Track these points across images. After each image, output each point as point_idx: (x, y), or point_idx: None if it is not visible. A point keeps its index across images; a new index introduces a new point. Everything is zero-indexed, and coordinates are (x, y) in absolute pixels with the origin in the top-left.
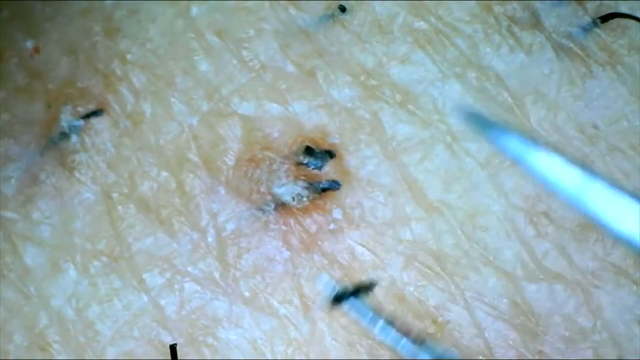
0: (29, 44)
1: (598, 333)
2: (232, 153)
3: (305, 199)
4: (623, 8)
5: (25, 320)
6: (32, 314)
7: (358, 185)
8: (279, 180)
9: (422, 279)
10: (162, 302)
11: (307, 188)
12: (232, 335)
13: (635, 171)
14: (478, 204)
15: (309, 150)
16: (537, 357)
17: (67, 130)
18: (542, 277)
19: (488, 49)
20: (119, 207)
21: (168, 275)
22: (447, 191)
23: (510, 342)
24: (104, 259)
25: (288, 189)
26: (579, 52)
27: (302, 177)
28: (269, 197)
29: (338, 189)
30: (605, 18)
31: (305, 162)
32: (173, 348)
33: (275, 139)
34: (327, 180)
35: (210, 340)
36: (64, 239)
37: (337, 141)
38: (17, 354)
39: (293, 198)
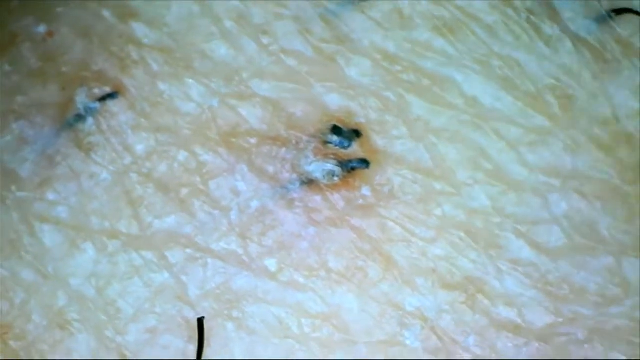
0: (42, 28)
1: (631, 299)
2: (254, 133)
3: (336, 177)
4: (637, 4)
5: (44, 300)
6: (51, 293)
7: (386, 164)
8: (307, 158)
9: (452, 250)
10: (184, 278)
11: (338, 166)
12: (257, 309)
13: None
14: (509, 181)
15: (336, 129)
16: (568, 326)
17: (82, 113)
18: (573, 248)
19: (509, 38)
20: (138, 187)
21: (190, 252)
22: (476, 169)
23: (542, 311)
24: (123, 238)
25: (318, 167)
26: (596, 44)
27: (332, 156)
28: (294, 175)
29: (367, 167)
30: (619, 12)
31: (332, 141)
32: (200, 321)
33: (300, 118)
34: (356, 159)
35: (235, 314)
36: (82, 219)
37: (363, 121)
38: (37, 334)
39: (324, 176)
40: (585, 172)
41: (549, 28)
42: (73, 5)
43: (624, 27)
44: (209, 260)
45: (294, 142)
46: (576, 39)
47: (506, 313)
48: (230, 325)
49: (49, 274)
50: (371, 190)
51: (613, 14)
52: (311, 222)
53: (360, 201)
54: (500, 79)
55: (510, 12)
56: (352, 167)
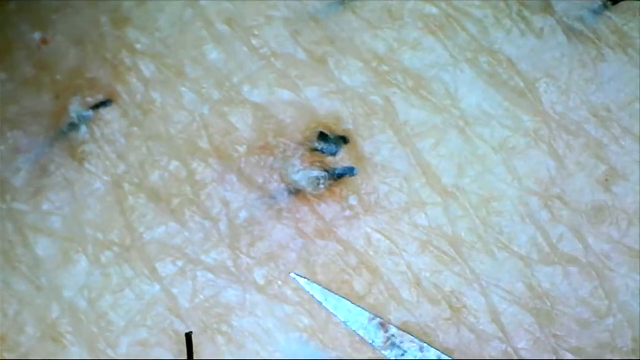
0: (37, 35)
1: (613, 316)
2: (244, 141)
3: (322, 185)
4: None
5: (37, 311)
6: (44, 305)
7: (373, 171)
8: (294, 167)
9: (437, 264)
10: (175, 291)
11: (324, 174)
12: (246, 323)
13: None
14: (492, 189)
15: (322, 136)
16: (552, 341)
17: (76, 121)
18: (557, 260)
19: (499, 34)
20: (130, 197)
21: (180, 264)
22: (461, 176)
23: (526, 326)
24: (116, 249)
25: (304, 175)
26: (590, 35)
27: (318, 164)
28: (282, 185)
29: (354, 175)
30: (616, 1)
31: (319, 148)
32: (189, 336)
33: (288, 125)
34: (343, 167)
35: (224, 328)
36: (75, 230)
37: (350, 127)
38: (30, 346)
39: (310, 184)
40: (570, 180)
41: (541, 20)
42: (68, 12)
43: (621, 16)
44: (199, 273)
45: (282, 150)
46: (570, 30)
47: (491, 330)
48: (220, 339)
49: (42, 286)
50: (358, 199)
51: (609, 3)
52: (299, 234)
53: (347, 212)
54: (490, 76)
55: (501, 5)
56: (339, 175)
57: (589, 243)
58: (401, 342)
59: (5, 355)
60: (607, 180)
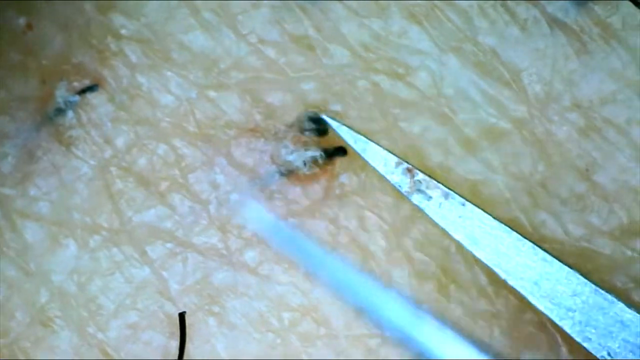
0: (22, 20)
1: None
2: (232, 124)
3: (318, 163)
4: None
5: (26, 296)
6: (33, 290)
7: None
8: (286, 148)
9: (425, 240)
10: (165, 273)
11: (320, 153)
12: (238, 303)
13: (629, 145)
14: (477, 172)
15: (311, 118)
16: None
17: (62, 106)
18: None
19: (483, 24)
20: (118, 181)
21: (170, 247)
22: (446, 159)
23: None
24: (104, 233)
25: (299, 155)
26: (574, 26)
27: (309, 144)
28: (273, 167)
29: (345, 155)
30: None
31: (309, 128)
32: (182, 316)
33: (277, 108)
34: (334, 147)
35: (216, 309)
36: (63, 215)
37: (339, 109)
38: (19, 331)
39: (304, 163)
40: (551, 168)
41: (525, 11)
42: None
43: (603, 8)
44: (189, 255)
45: (272, 132)
46: (553, 22)
47: (480, 303)
48: (211, 321)
49: (31, 271)
50: (349, 178)
51: None
52: (290, 214)
53: (338, 191)
54: (474, 65)
55: None
56: (330, 155)
57: (569, 229)
58: (427, 188)
59: None
60: (587, 169)
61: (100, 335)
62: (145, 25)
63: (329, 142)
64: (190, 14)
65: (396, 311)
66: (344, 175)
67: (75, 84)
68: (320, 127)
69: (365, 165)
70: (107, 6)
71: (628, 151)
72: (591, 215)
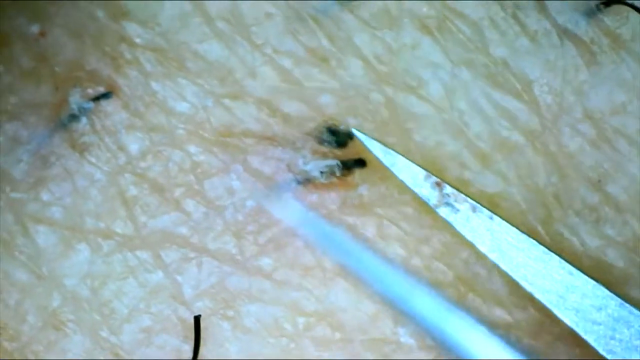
0: (35, 27)
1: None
2: (249, 132)
3: (335, 173)
4: None
5: (38, 300)
6: (45, 294)
7: (379, 164)
8: (304, 157)
9: (445, 250)
10: (179, 278)
11: (338, 163)
12: (253, 308)
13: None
14: (493, 185)
15: (330, 130)
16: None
17: (76, 112)
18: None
19: (494, 35)
20: (132, 187)
21: (184, 252)
22: (462, 174)
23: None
24: (118, 238)
25: (317, 165)
26: (584, 37)
27: (330, 154)
28: (290, 175)
29: (364, 167)
30: (607, 4)
31: (328, 140)
32: (197, 319)
33: (294, 118)
34: (353, 159)
35: (230, 313)
36: (76, 220)
37: (355, 122)
38: (31, 335)
39: (323, 173)
40: (564, 180)
41: (535, 23)
42: (66, 4)
43: (613, 19)
44: (204, 260)
45: (290, 141)
46: (564, 33)
47: (497, 312)
48: (225, 325)
49: (43, 275)
50: (368, 189)
51: (602, 6)
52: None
53: (356, 201)
54: (486, 77)
55: (496, 7)
56: (349, 167)
57: (584, 240)
58: (455, 201)
59: (7, 344)
60: (599, 180)
61: (113, 339)
62: (160, 34)
63: (347, 154)
64: (204, 22)
65: (416, 314)
66: (363, 186)
67: (89, 90)
68: (339, 139)
69: (385, 177)
70: (120, 14)
71: (639, 161)
72: (605, 227)
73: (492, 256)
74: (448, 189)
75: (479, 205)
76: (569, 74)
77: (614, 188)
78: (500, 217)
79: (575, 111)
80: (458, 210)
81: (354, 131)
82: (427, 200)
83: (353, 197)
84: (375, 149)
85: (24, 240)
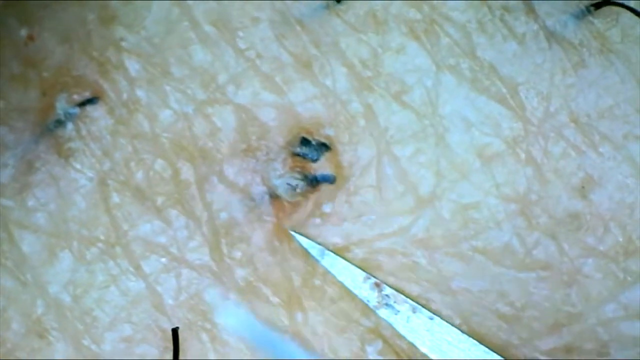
0: (24, 32)
1: (585, 321)
2: (227, 142)
3: (298, 190)
4: None
5: (22, 307)
6: (29, 301)
7: (351, 180)
8: (275, 171)
9: (406, 270)
10: (160, 288)
11: (302, 180)
12: (230, 321)
13: (626, 161)
14: (469, 196)
15: (305, 142)
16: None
17: (62, 118)
18: (531, 266)
19: (482, 39)
20: (115, 195)
21: (165, 261)
22: (438, 184)
23: (494, 329)
24: (101, 245)
25: (283, 181)
26: (572, 40)
27: (298, 169)
28: (263, 188)
29: (332, 182)
30: (598, 5)
31: (301, 153)
32: (175, 332)
33: (271, 128)
34: (322, 174)
35: (208, 325)
36: (60, 226)
37: (331, 133)
38: (15, 342)
39: (286, 191)
40: (547, 187)
41: (523, 26)
42: (55, 9)
43: (603, 21)
44: (183, 271)
45: (264, 152)
46: (552, 36)
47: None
48: (204, 336)
49: (27, 282)
50: (332, 207)
51: (592, 8)
52: (276, 237)
53: (318, 220)
54: (471, 82)
55: (484, 10)
56: (317, 181)
57: (565, 249)
58: (395, 302)
59: None
60: (583, 187)
61: (94, 348)
62: (145, 39)
63: (319, 167)
64: (190, 27)
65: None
66: (327, 205)
67: (75, 96)
68: (312, 152)
69: (349, 196)
70: (109, 18)
71: (625, 167)
72: (586, 235)
73: (433, 356)
74: (387, 290)
75: (419, 305)
76: (556, 78)
77: (597, 195)
78: (440, 317)
79: (561, 115)
80: (398, 311)
81: (294, 234)
82: (367, 302)
83: (316, 215)
84: (313, 250)
85: (9, 246)
